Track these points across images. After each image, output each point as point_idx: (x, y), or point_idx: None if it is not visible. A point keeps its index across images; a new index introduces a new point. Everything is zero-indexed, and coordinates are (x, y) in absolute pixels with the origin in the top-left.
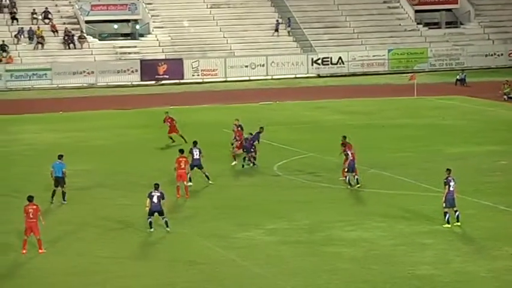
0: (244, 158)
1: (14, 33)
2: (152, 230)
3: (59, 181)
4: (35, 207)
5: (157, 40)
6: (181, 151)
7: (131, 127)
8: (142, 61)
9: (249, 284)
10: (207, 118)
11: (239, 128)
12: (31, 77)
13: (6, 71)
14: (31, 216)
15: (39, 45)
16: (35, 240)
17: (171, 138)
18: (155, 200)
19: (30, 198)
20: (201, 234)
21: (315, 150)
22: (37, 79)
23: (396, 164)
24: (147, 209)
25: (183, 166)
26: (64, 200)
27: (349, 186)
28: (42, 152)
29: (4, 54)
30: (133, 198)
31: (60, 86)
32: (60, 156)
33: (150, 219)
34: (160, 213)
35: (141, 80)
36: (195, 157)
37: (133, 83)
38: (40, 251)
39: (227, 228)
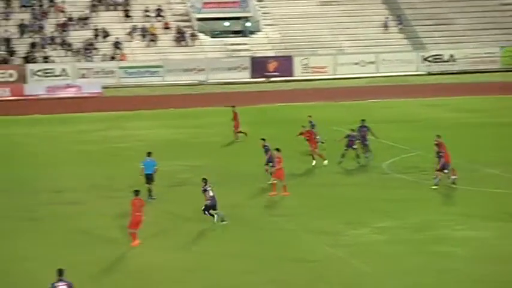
0: (343, 154)
1: (127, 31)
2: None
3: (150, 178)
4: (140, 201)
5: (268, 37)
6: (278, 149)
7: (241, 124)
8: (252, 58)
9: (357, 283)
10: (316, 116)
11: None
12: (143, 74)
13: (120, 67)
14: (137, 209)
15: (152, 43)
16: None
17: (241, 132)
18: (211, 193)
19: (136, 193)
20: (308, 232)
21: (424, 148)
22: (149, 76)
23: (507, 163)
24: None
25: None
26: (151, 197)
27: (434, 187)
28: (155, 147)
29: (118, 51)
30: (242, 194)
31: (171, 82)
32: (150, 154)
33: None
34: (215, 207)
35: (251, 77)
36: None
37: (243, 80)
38: (135, 243)
39: (335, 226)
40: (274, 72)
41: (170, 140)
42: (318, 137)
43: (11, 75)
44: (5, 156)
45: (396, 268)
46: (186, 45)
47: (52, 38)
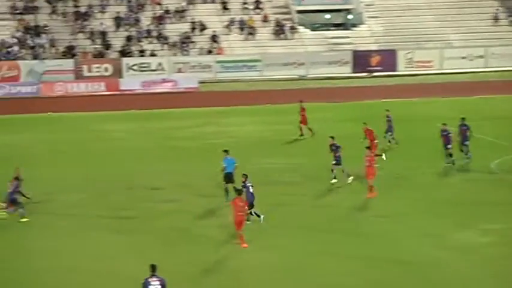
0: (449, 154)
1: (225, 24)
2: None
3: (230, 177)
4: (241, 200)
5: (370, 30)
6: (368, 148)
7: (342, 120)
8: (354, 52)
9: (461, 287)
10: (421, 112)
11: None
12: (241, 68)
13: (217, 62)
14: (239, 209)
15: (250, 36)
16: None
17: (300, 130)
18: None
19: (238, 192)
20: (412, 233)
21: None
22: (247, 70)
23: None
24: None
25: (368, 164)
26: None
27: None
28: (249, 145)
29: (215, 45)
30: (338, 194)
31: (270, 77)
32: (227, 151)
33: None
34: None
35: (353, 72)
36: None
37: (344, 74)
38: (244, 245)
39: (441, 227)
40: (377, 66)
41: (265, 137)
42: (389, 134)
43: (106, 70)
44: (101, 152)
45: (502, 271)
46: (286, 39)
47: (148, 31)
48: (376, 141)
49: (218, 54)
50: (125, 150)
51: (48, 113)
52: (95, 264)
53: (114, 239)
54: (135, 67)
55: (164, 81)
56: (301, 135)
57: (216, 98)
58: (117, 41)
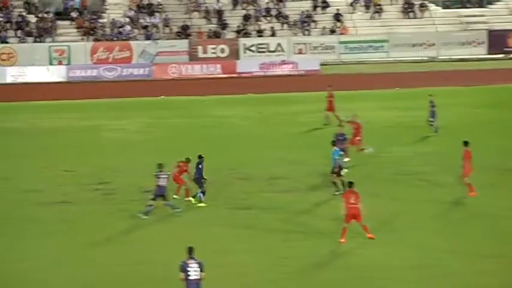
0: None
1: (349, 2)
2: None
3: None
4: (355, 194)
5: (508, 8)
6: (466, 143)
7: (477, 106)
8: (490, 32)
9: None
10: None
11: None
12: (366, 49)
13: (340, 42)
14: (351, 202)
15: (376, 15)
16: (355, 228)
17: (327, 117)
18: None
19: (350, 185)
20: None
21: None
22: (373, 51)
23: None
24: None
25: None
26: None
27: None
28: (377, 131)
29: (338, 24)
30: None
31: (397, 59)
32: (334, 143)
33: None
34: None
35: (488, 53)
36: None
37: (479, 56)
38: (369, 235)
39: None
40: None
41: (395, 123)
42: (431, 119)
43: (222, 51)
44: (216, 138)
45: None
46: (415, 17)
47: (267, 10)
48: (357, 138)
49: (342, 34)
50: (242, 137)
51: (161, 97)
52: (214, 257)
53: (226, 231)
54: (252, 48)
55: (284, 63)
56: (326, 124)
57: (339, 81)
58: (234, 20)
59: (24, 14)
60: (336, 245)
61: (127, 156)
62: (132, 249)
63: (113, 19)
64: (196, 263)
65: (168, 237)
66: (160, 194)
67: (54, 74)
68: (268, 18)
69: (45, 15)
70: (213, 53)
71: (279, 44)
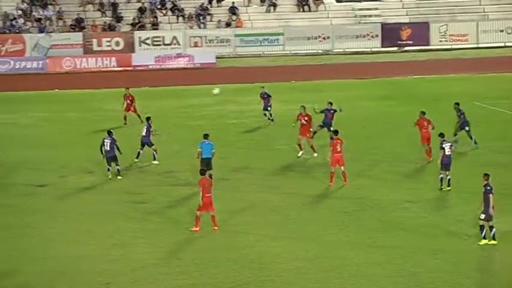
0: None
1: None
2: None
3: (207, 163)
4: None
5: (401, 2)
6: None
7: (370, 99)
8: (383, 25)
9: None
10: (456, 89)
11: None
12: (262, 43)
13: (236, 35)
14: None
15: (271, 8)
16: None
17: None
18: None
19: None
20: (445, 221)
21: None
22: (268, 44)
23: None
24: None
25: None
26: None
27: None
28: (275, 124)
29: (234, 17)
30: (373, 178)
31: (292, 52)
32: (207, 136)
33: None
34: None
35: (382, 46)
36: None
37: (373, 49)
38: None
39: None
40: (408, 40)
41: (284, 116)
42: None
43: (117, 44)
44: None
45: None
46: (309, 11)
47: (162, 3)
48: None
49: (237, 27)
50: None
51: (55, 90)
52: (112, 251)
53: (128, 225)
54: (148, 41)
55: (179, 56)
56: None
57: (235, 75)
58: (129, 13)
59: None
60: (231, 239)
61: (16, 150)
62: (24, 245)
63: (5, 12)
64: None
65: (58, 233)
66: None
67: None
68: (164, 10)
69: None
70: (108, 46)
71: (174, 37)
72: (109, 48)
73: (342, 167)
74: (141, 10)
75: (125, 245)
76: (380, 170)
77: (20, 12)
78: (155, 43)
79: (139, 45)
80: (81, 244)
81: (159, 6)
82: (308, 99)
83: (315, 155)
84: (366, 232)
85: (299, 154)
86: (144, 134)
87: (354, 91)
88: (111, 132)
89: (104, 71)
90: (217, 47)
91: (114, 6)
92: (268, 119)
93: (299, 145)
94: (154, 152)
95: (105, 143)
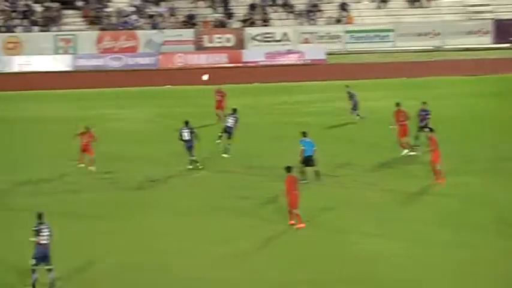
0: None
1: None
2: None
3: (310, 160)
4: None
5: None
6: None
7: (481, 96)
8: (496, 21)
9: None
10: None
11: None
12: (372, 39)
13: (346, 32)
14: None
15: (382, 4)
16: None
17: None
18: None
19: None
20: None
21: None
22: (378, 41)
23: None
24: None
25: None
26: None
27: None
28: (382, 121)
29: (344, 13)
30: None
31: (403, 48)
32: (305, 133)
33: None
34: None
35: (494, 43)
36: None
37: (484, 45)
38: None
39: None
40: None
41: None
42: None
43: (228, 40)
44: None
45: None
46: (421, 7)
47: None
48: None
49: (347, 23)
50: (250, 126)
51: (167, 86)
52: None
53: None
54: (258, 37)
55: (289, 52)
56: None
57: (345, 71)
58: (240, 9)
59: (30, 3)
60: (331, 235)
61: (132, 145)
62: (134, 238)
63: (119, 8)
64: (47, 228)
65: (170, 227)
66: None
67: (60, 63)
68: (275, 7)
69: (51, 4)
70: (219, 42)
71: (285, 34)
72: (220, 45)
73: (438, 165)
74: (252, 6)
75: (228, 240)
76: (483, 167)
77: (133, 8)
78: (266, 39)
79: (250, 42)
80: (187, 239)
81: (270, 3)
82: (417, 95)
83: (413, 153)
84: (474, 232)
85: (403, 153)
86: (230, 125)
87: (463, 88)
88: (189, 122)
89: (214, 67)
90: (327, 43)
91: (226, 2)
92: (358, 115)
93: (403, 145)
94: (228, 146)
95: (184, 134)
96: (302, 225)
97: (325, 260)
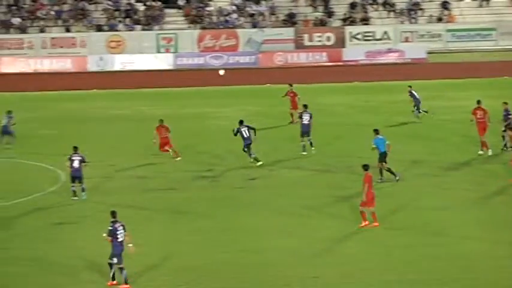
0: None
1: None
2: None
3: (384, 156)
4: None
5: None
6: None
7: None
8: None
9: None
10: None
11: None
12: (473, 38)
13: (447, 30)
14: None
15: (484, 2)
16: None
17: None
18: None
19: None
20: None
21: None
22: (480, 40)
23: None
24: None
25: None
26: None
27: None
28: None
29: (445, 12)
30: None
31: (506, 47)
32: (377, 131)
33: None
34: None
35: None
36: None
37: None
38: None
39: None
40: None
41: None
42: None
43: (328, 39)
44: (324, 127)
45: None
46: None
47: None
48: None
49: (449, 22)
50: (352, 126)
51: (267, 85)
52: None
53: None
54: (358, 36)
55: (390, 51)
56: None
57: (446, 70)
58: (340, 8)
59: (132, 2)
60: (431, 237)
61: (232, 144)
62: (235, 237)
63: (220, 7)
64: (122, 225)
65: (269, 225)
66: None
67: (162, 61)
68: (375, 6)
69: (153, 3)
70: (319, 41)
71: (385, 32)
72: (320, 43)
73: None
74: (353, 5)
75: (331, 240)
76: None
77: (233, 7)
78: (366, 38)
79: (350, 40)
80: (288, 237)
81: (370, 1)
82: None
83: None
84: None
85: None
86: (306, 122)
87: None
88: (243, 121)
89: (314, 66)
90: (428, 42)
91: (326, 1)
92: (424, 111)
93: (483, 143)
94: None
95: (243, 131)
96: (376, 224)
97: (431, 260)
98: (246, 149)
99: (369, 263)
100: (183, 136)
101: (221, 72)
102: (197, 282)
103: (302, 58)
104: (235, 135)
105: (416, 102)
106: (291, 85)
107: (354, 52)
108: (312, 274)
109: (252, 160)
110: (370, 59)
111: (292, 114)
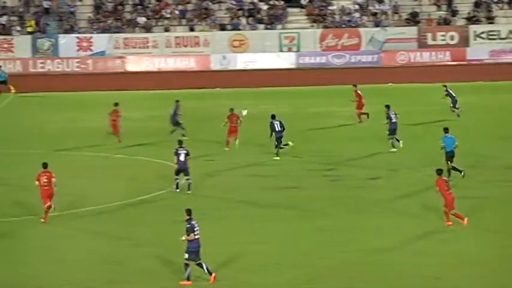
0: None
1: None
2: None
3: (451, 156)
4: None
5: None
6: None
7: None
8: None
9: None
10: None
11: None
12: None
13: None
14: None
15: None
16: None
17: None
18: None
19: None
20: None
21: None
22: None
23: None
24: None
25: None
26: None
27: None
28: None
29: None
30: None
31: None
32: (447, 130)
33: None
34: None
35: None
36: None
37: None
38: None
39: None
40: None
41: None
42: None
43: (452, 38)
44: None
45: None
46: None
47: None
48: None
49: None
50: (467, 125)
51: (390, 84)
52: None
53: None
54: (483, 35)
55: None
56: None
57: None
58: (464, 6)
59: (255, 1)
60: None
61: (355, 143)
62: (357, 236)
63: (342, 6)
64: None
65: (387, 226)
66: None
67: (284, 60)
68: (500, 4)
69: (276, 2)
70: (443, 40)
71: (510, 31)
72: (443, 43)
73: None
74: (477, 4)
75: (451, 241)
76: None
77: (356, 6)
78: (490, 37)
79: (474, 39)
80: (408, 238)
81: (495, 0)
82: None
83: None
84: None
85: None
86: (395, 120)
87: None
88: (275, 115)
89: (437, 65)
90: None
91: (450, 0)
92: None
93: None
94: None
95: (275, 124)
96: (465, 220)
97: None
98: (276, 143)
99: (490, 264)
100: (306, 135)
101: (244, 112)
102: (318, 281)
103: (425, 57)
104: (271, 128)
105: (453, 101)
106: (355, 85)
107: (478, 51)
108: (434, 275)
109: (275, 151)
110: (494, 58)
111: (359, 115)
